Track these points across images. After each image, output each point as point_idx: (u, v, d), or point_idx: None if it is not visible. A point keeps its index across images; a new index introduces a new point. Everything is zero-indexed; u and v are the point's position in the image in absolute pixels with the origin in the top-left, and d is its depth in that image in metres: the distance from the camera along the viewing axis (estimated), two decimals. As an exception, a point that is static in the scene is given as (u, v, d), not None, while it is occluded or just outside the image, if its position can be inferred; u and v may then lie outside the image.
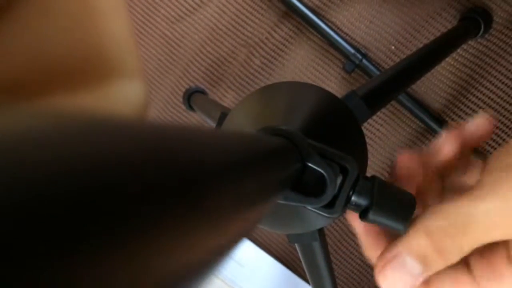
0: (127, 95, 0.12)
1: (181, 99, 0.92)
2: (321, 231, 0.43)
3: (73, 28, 0.11)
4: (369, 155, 0.83)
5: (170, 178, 0.08)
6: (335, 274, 0.55)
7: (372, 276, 0.96)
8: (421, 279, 0.24)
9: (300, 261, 0.51)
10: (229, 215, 0.11)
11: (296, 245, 0.46)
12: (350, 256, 0.89)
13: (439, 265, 0.23)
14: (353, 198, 0.30)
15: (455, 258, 0.23)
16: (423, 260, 0.24)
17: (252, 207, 0.15)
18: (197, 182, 0.09)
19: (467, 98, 0.80)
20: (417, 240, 0.25)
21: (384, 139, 0.84)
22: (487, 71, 0.78)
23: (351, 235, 0.88)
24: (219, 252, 0.11)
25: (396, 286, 0.24)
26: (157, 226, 0.07)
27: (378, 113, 0.84)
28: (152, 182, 0.07)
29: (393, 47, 0.82)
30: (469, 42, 0.78)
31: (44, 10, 0.10)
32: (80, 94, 0.11)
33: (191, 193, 0.09)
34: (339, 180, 0.31)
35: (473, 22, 0.74)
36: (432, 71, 0.81)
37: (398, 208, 0.29)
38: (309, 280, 0.54)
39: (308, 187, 0.30)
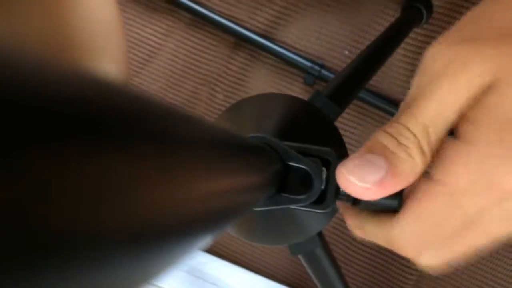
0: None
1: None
2: (321, 236, 0.43)
3: (51, 14, 0.11)
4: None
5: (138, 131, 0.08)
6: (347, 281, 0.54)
7: (382, 276, 0.94)
8: (389, 182, 0.22)
9: (313, 283, 0.49)
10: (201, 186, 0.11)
11: (301, 258, 0.45)
12: (358, 262, 0.88)
13: (401, 159, 0.21)
14: (342, 188, 0.30)
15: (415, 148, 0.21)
16: (385, 155, 0.22)
17: (228, 199, 0.15)
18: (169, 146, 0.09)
19: (428, 83, 0.82)
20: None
21: (361, 140, 0.85)
22: (440, 53, 0.81)
23: (355, 243, 0.87)
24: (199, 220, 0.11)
25: (361, 188, 0.22)
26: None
27: (350, 116, 0.85)
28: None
29: (346, 52, 0.84)
30: (416, 30, 0.80)
31: None
32: None
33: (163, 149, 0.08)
34: (324, 174, 0.30)
35: (414, 10, 0.76)
36: (389, 65, 0.83)
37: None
38: (323, 293, 0.53)
39: (296, 188, 0.29)
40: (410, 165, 0.22)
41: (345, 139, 0.89)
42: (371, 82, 0.82)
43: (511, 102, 0.19)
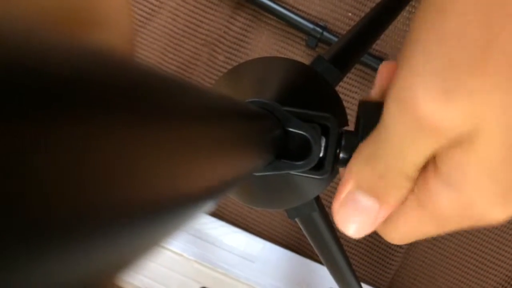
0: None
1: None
2: (318, 201, 0.43)
3: None
4: (350, 123, 0.83)
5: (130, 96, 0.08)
6: (346, 251, 0.55)
7: (382, 249, 0.95)
8: (382, 216, 0.21)
9: (309, 245, 0.50)
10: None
11: (298, 222, 0.46)
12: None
13: (391, 194, 0.20)
14: (341, 155, 0.30)
15: (400, 182, 0.20)
16: (374, 193, 0.20)
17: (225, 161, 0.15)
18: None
19: (432, 48, 0.81)
20: (361, 171, 0.21)
21: (362, 105, 0.85)
22: (445, 17, 0.79)
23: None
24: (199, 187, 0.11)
25: (357, 229, 0.22)
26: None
27: (351, 81, 0.84)
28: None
29: (350, 14, 0.82)
30: (422, -8, 0.79)
31: None
32: None
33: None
34: (323, 141, 0.30)
35: (421, -28, 0.74)
36: (393, 29, 0.82)
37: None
38: (319, 256, 0.54)
39: (294, 153, 0.29)
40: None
41: (346, 104, 0.89)
42: (373, 46, 0.81)
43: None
